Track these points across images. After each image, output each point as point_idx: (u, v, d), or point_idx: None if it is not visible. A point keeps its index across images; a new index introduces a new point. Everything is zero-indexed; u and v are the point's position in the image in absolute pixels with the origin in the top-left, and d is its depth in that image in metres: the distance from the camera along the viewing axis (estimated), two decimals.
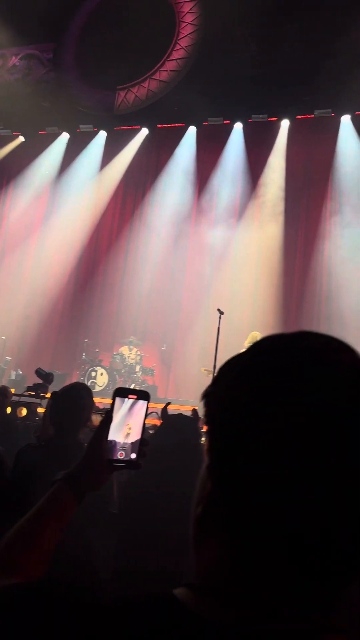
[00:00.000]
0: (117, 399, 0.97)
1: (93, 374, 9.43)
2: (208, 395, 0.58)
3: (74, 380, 9.90)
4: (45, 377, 4.70)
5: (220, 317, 6.48)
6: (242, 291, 9.63)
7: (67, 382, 9.65)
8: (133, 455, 0.98)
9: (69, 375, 10.03)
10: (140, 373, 9.57)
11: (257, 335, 7.34)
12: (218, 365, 6.51)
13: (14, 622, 0.55)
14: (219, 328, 6.45)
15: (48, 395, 4.68)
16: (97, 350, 9.96)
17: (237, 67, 8.88)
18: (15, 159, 11.37)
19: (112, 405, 0.96)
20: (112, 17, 9.69)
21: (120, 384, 9.48)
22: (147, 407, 0.99)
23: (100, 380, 9.37)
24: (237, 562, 0.51)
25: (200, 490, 0.58)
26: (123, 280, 10.81)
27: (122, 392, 0.98)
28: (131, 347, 9.65)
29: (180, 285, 10.24)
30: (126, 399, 0.98)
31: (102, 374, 9.40)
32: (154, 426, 3.00)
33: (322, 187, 9.62)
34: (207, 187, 10.34)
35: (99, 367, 9.48)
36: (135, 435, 0.98)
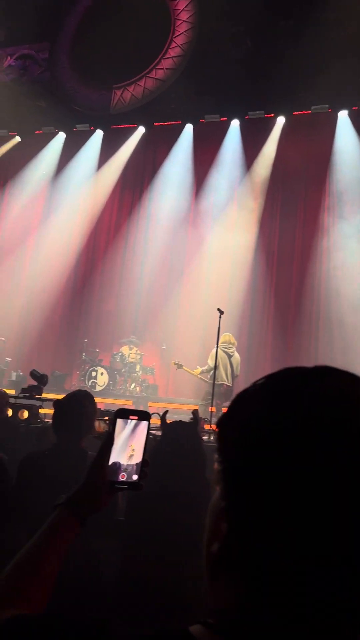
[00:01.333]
0: (119, 421, 0.96)
1: (93, 373, 9.43)
2: (222, 427, 0.56)
3: (74, 380, 9.89)
4: (40, 379, 4.70)
5: (220, 317, 6.46)
6: (240, 290, 9.62)
7: (68, 382, 9.67)
8: (135, 477, 0.97)
9: (69, 376, 10.02)
10: (141, 372, 9.56)
11: (229, 338, 7.35)
12: (218, 364, 6.52)
13: None
14: (219, 327, 6.43)
15: (43, 396, 4.70)
16: (97, 350, 9.96)
17: (232, 64, 8.84)
18: (12, 159, 11.32)
19: (114, 426, 0.95)
20: (106, 15, 9.65)
21: (120, 383, 9.48)
22: (149, 428, 0.99)
23: (100, 380, 9.36)
24: (252, 604, 0.50)
25: (212, 526, 0.56)
26: (122, 280, 10.79)
27: (123, 414, 0.97)
28: (131, 346, 9.64)
29: (179, 284, 10.21)
30: (128, 420, 0.97)
31: (102, 373, 9.40)
32: (155, 426, 3.01)
33: (320, 183, 9.58)
34: (204, 185, 10.31)
35: (99, 367, 9.48)
36: (138, 457, 0.97)
